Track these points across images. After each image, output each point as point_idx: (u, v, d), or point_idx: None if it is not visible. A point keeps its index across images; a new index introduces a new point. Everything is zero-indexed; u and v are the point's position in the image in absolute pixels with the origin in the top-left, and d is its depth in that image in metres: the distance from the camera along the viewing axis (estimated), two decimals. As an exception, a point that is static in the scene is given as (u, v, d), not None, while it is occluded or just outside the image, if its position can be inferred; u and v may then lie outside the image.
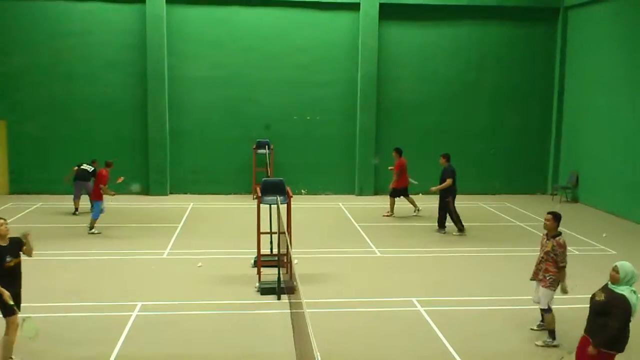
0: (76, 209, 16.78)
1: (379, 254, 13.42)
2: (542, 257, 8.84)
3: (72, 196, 16.83)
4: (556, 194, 20.33)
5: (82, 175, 16.56)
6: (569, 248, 13.63)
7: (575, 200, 19.75)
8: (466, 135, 20.58)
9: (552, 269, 8.71)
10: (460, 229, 15.26)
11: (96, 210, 14.71)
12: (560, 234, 8.87)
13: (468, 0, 20.06)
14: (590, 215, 17.70)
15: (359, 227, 15.79)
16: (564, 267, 8.71)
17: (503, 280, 11.71)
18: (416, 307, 10.15)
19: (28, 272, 11.68)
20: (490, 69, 20.63)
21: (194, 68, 19.76)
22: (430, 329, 9.25)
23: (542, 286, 8.78)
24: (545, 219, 8.97)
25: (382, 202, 18.92)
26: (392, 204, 17.18)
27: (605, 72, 18.35)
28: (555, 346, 8.63)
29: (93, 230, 14.73)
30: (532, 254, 13.49)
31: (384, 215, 17.08)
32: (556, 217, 8.88)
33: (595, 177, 18.84)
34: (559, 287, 8.75)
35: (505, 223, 16.61)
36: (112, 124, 19.62)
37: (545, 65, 20.75)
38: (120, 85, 19.56)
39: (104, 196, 14.84)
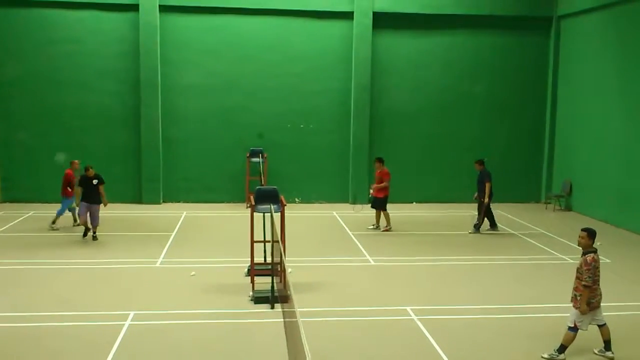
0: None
1: (373, 263, 13.37)
2: (576, 276, 8.46)
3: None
4: (550, 203, 20.35)
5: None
6: (565, 257, 13.75)
7: (568, 208, 19.78)
8: (459, 144, 20.60)
9: (582, 288, 8.34)
10: (478, 228, 16.22)
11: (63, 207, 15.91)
12: (593, 251, 8.40)
13: (461, 10, 20.13)
14: (583, 224, 17.47)
15: (352, 236, 15.75)
16: (587, 286, 8.24)
17: (498, 289, 11.68)
18: (410, 316, 10.10)
19: (19, 280, 11.65)
20: (484, 78, 20.69)
21: (188, 76, 19.73)
22: (425, 338, 9.19)
23: (573, 306, 8.45)
24: (579, 236, 8.51)
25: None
26: (387, 217, 16.45)
27: (598, 80, 18.43)
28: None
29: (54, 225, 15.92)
30: (526, 262, 13.56)
31: (383, 230, 16.37)
32: (591, 234, 8.43)
33: (588, 185, 18.88)
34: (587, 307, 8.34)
35: (500, 232, 16.58)
36: (105, 132, 19.54)
37: (538, 74, 20.83)
38: (113, 94, 19.50)
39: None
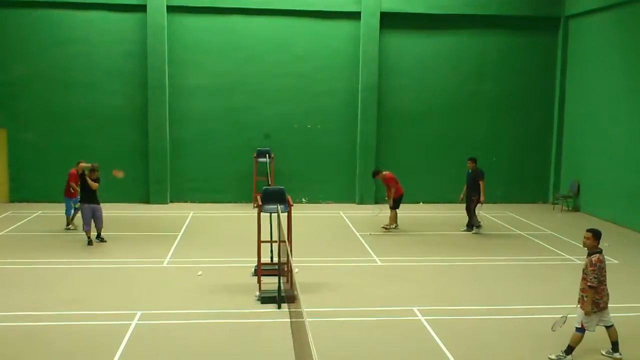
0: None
1: (379, 263, 13.36)
2: (582, 277, 8.46)
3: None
4: (557, 203, 20.28)
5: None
6: (572, 258, 13.71)
7: (576, 209, 19.71)
8: (467, 144, 20.53)
9: (587, 289, 8.33)
10: (479, 226, 16.23)
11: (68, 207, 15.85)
12: (599, 251, 8.40)
13: (469, 10, 20.10)
14: (591, 225, 17.43)
15: (359, 236, 15.74)
16: (593, 287, 8.22)
17: (504, 290, 11.65)
18: (417, 316, 10.09)
19: (27, 280, 11.70)
20: (491, 78, 20.65)
21: (195, 77, 19.78)
22: (431, 339, 9.18)
23: (580, 307, 8.43)
24: (584, 237, 8.47)
25: (382, 211, 18.88)
26: (391, 216, 16.53)
27: (605, 80, 18.36)
28: None
29: (70, 226, 15.93)
30: (533, 263, 13.52)
31: (382, 226, 16.53)
32: (596, 235, 8.40)
33: (596, 185, 18.81)
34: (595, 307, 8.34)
35: (507, 232, 16.55)
36: (113, 133, 19.61)
37: (546, 75, 20.76)
38: (121, 94, 19.57)
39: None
